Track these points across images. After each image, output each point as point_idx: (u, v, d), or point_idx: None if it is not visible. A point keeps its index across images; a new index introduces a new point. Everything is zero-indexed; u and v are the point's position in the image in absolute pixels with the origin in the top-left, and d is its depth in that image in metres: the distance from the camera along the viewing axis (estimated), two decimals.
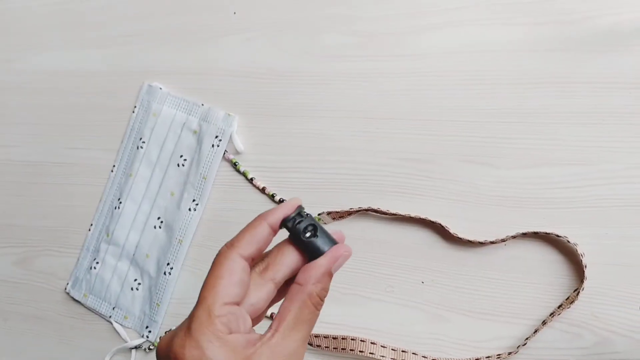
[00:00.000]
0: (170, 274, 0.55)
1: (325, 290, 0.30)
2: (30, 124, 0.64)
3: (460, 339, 0.47)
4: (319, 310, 0.29)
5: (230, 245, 0.29)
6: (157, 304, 0.55)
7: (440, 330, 0.47)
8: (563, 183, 0.45)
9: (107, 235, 0.58)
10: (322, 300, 0.29)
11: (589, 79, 0.46)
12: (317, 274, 0.29)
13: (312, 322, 0.29)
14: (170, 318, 0.55)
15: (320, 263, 0.29)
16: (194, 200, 0.55)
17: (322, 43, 0.53)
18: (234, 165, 0.54)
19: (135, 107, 0.58)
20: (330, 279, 0.30)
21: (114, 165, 0.59)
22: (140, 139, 0.57)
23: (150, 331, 0.56)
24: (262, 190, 0.53)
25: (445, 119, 0.49)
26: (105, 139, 0.60)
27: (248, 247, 0.29)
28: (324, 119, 0.52)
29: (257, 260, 0.31)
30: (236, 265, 0.29)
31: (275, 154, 0.53)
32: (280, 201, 0.52)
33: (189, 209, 0.55)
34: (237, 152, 0.54)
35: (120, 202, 0.58)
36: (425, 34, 0.50)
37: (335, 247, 0.30)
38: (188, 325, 0.27)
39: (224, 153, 0.54)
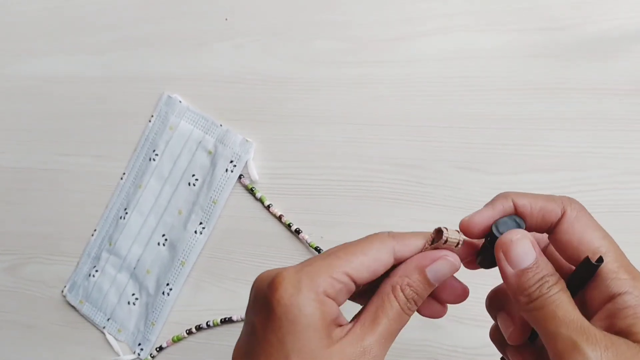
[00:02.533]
0: (169, 294, 0.53)
1: (412, 286, 0.27)
2: (20, 129, 0.61)
3: (454, 346, 0.46)
4: (404, 310, 0.27)
5: (393, 237, 0.27)
6: (152, 323, 0.54)
7: (433, 337, 0.47)
8: (555, 189, 0.44)
9: (110, 244, 0.57)
10: (408, 300, 0.27)
11: (580, 85, 0.45)
12: (405, 266, 0.27)
13: (392, 321, 0.27)
14: (164, 337, 0.54)
15: (414, 257, 0.27)
16: (200, 223, 0.53)
17: (314, 49, 0.51)
18: (251, 190, 0.52)
19: (152, 116, 0.56)
20: (423, 279, 0.27)
21: (123, 173, 0.57)
22: (154, 150, 0.55)
23: (142, 349, 0.54)
24: (279, 219, 0.51)
25: (437, 125, 0.48)
26: (96, 145, 0.58)
27: (406, 250, 0.27)
28: (316, 125, 0.51)
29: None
30: (385, 258, 0.27)
31: (266, 159, 0.52)
32: (297, 231, 0.50)
33: (195, 232, 0.53)
34: (251, 180, 0.52)
35: (127, 213, 0.56)
36: (417, 40, 0.49)
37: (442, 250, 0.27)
38: (303, 265, 0.26)
39: (240, 177, 0.52)
